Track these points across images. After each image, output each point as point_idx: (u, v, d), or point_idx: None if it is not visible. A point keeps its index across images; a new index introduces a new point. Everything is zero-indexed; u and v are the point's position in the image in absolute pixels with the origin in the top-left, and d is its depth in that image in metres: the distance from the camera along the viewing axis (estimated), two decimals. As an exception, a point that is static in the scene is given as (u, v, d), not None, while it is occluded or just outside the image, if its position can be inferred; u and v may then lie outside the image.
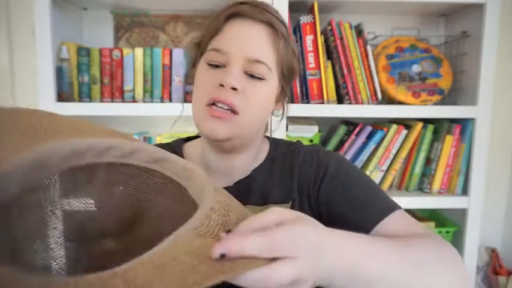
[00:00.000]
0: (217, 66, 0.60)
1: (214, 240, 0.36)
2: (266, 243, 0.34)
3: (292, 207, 0.63)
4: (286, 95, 0.68)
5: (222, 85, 0.58)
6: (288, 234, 0.36)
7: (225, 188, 0.63)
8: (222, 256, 0.33)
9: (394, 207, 0.59)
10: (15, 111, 0.47)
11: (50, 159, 0.43)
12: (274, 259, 0.35)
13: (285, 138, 1.26)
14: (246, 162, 0.67)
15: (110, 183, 0.52)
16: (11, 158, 0.37)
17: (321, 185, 0.63)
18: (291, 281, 0.35)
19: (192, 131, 0.83)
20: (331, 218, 0.62)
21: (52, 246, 0.47)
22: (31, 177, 0.40)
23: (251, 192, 0.66)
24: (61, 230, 0.48)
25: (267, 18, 0.61)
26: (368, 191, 0.61)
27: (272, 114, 0.69)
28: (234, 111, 0.59)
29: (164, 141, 1.33)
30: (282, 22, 0.63)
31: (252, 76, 0.60)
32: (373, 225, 0.57)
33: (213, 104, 0.59)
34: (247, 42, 0.60)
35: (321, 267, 0.38)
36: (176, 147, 0.71)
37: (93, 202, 0.51)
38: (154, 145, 0.71)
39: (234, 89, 0.58)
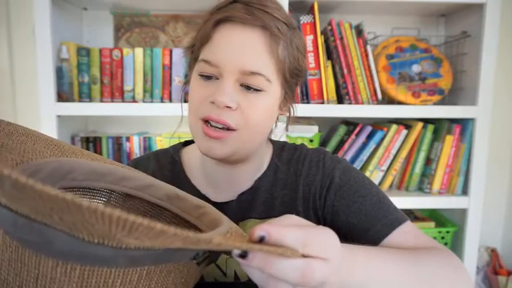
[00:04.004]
0: (209, 77, 0.55)
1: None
2: (301, 237, 0.35)
3: None
4: (292, 98, 0.62)
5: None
6: (320, 234, 0.37)
7: (229, 202, 0.63)
8: (261, 240, 0.34)
9: (402, 219, 0.58)
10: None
11: (74, 170, 0.46)
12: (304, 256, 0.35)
13: (285, 139, 1.27)
14: (249, 172, 0.64)
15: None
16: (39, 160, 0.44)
17: (326, 195, 0.61)
18: (321, 281, 0.35)
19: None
20: (336, 228, 0.59)
21: None
22: (54, 178, 0.44)
23: (255, 204, 0.63)
24: None
25: (261, 21, 0.53)
26: (376, 202, 0.59)
27: (277, 119, 0.63)
28: (230, 129, 0.55)
29: (164, 141, 1.33)
30: (282, 20, 0.55)
31: (249, 87, 0.54)
32: (381, 238, 0.57)
33: (207, 120, 0.55)
34: (240, 52, 0.53)
35: (340, 277, 0.38)
36: (175, 154, 0.68)
37: None
38: (153, 152, 0.71)
39: (228, 107, 0.53)
